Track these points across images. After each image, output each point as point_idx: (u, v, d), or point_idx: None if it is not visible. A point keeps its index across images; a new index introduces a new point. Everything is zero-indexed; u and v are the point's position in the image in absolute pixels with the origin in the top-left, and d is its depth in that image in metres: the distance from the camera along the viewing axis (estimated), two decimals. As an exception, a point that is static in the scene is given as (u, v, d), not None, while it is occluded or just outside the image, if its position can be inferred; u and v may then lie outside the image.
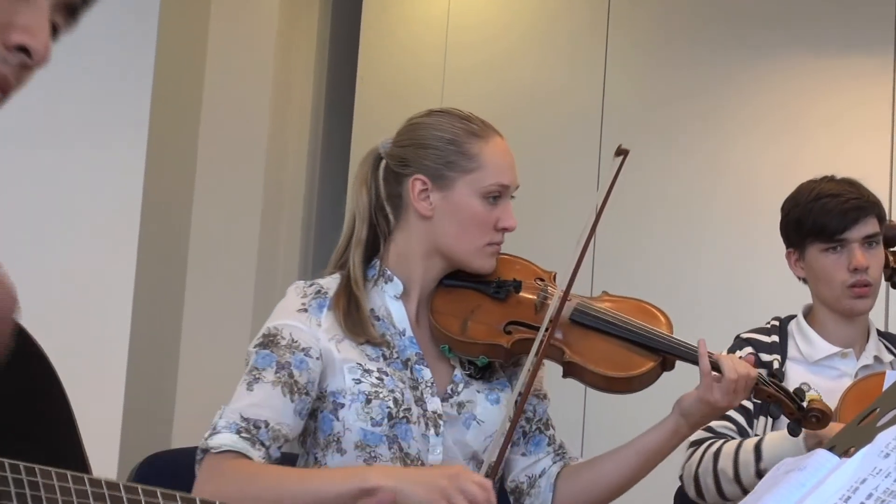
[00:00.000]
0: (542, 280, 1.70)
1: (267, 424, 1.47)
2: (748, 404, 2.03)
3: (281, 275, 3.50)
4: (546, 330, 1.56)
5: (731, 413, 2.00)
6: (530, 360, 1.55)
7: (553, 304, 1.60)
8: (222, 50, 3.36)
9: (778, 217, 2.16)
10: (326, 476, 1.49)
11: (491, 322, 1.64)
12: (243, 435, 1.45)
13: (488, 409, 1.65)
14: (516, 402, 1.59)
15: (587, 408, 3.25)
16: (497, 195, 1.64)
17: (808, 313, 2.16)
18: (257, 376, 1.51)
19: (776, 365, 2.05)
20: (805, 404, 1.66)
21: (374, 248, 1.68)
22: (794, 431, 1.68)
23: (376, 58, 3.60)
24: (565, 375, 1.64)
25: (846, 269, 2.04)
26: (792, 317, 2.17)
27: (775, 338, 2.11)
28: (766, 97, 3.37)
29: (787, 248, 2.15)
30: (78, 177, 2.94)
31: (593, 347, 1.63)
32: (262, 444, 1.46)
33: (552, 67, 3.52)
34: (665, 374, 1.67)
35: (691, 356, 1.63)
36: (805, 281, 2.15)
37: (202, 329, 3.29)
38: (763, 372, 1.69)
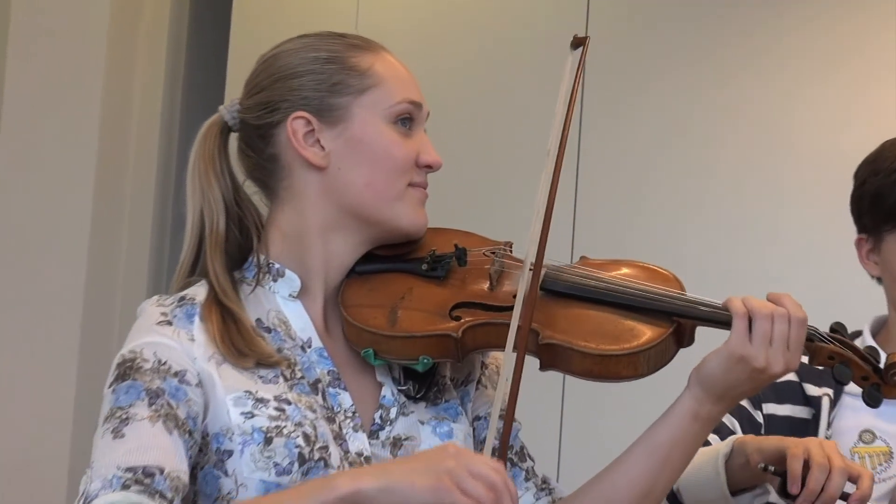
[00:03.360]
0: (493, 251, 1.69)
1: (162, 470, 1.43)
2: (744, 402, 2.02)
3: (122, 273, 3.49)
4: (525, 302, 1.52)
5: None
6: (508, 352, 1.51)
7: (524, 273, 1.55)
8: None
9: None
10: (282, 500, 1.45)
11: (430, 307, 1.61)
12: (134, 488, 1.40)
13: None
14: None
15: (563, 433, 3.35)
16: (408, 117, 1.65)
17: (880, 330, 2.13)
18: (125, 417, 1.47)
19: (826, 402, 2.02)
20: (883, 363, 1.63)
21: (240, 247, 1.67)
22: (872, 401, 1.63)
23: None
24: (544, 367, 1.60)
25: None
26: (856, 334, 2.11)
27: None
28: (809, 21, 3.44)
29: (859, 232, 2.12)
30: None
31: (578, 320, 1.60)
32: (163, 497, 1.41)
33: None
34: (657, 378, 1.61)
35: (716, 316, 1.59)
36: (880, 281, 2.11)
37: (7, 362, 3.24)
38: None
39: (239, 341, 1.56)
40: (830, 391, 2.03)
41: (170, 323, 1.56)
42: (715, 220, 3.46)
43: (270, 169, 1.66)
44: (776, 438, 1.86)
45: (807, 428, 2.01)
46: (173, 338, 1.54)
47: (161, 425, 1.46)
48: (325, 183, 1.63)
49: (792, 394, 2.05)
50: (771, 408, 2.05)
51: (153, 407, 1.47)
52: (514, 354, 1.50)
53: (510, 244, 1.72)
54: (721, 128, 3.49)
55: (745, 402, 2.04)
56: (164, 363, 1.52)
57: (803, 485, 1.75)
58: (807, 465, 1.75)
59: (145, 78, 3.63)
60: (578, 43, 1.65)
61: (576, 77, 1.61)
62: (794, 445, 1.79)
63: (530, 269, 1.55)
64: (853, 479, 1.77)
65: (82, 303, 3.32)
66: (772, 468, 1.79)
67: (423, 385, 1.64)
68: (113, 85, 3.46)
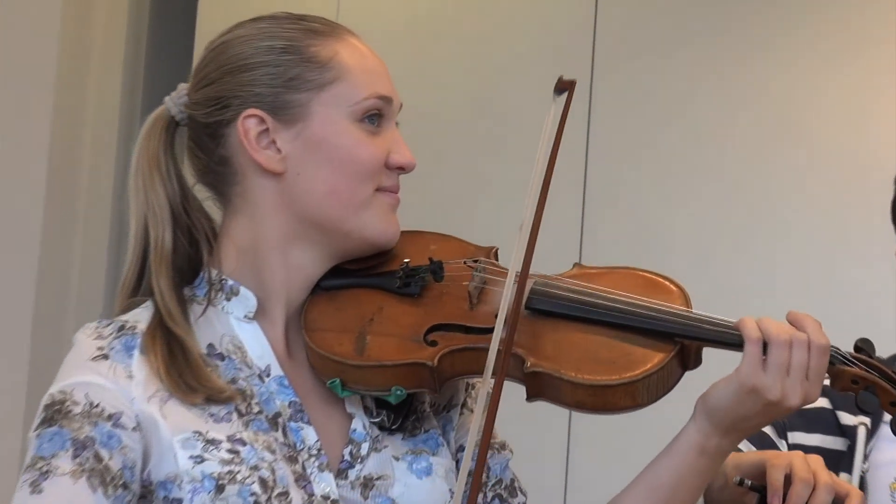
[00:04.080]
0: (475, 261, 1.63)
1: None
2: (767, 428, 1.99)
3: (75, 281, 3.43)
4: (503, 328, 1.45)
5: None
6: (486, 381, 1.45)
7: (507, 289, 1.48)
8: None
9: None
10: None
11: (402, 331, 1.57)
12: None
13: (414, 486, 1.56)
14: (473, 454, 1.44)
15: (570, 458, 3.32)
16: (377, 114, 1.57)
17: None
18: (45, 469, 1.43)
19: (862, 432, 1.97)
20: None
21: (191, 260, 1.61)
22: None
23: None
24: (531, 397, 1.54)
25: None
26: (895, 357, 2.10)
27: None
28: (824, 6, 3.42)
29: None
30: None
31: (568, 344, 1.54)
32: None
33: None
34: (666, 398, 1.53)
35: (726, 337, 1.52)
36: None
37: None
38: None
39: (187, 374, 1.50)
40: (867, 420, 1.99)
41: (106, 357, 1.50)
42: (727, 225, 3.42)
43: (222, 173, 1.59)
44: (757, 452, 1.85)
45: (840, 460, 1.96)
46: (108, 375, 1.48)
47: (84, 482, 1.42)
48: (282, 190, 1.56)
49: (823, 422, 2.01)
50: (798, 437, 2.01)
51: (77, 460, 1.43)
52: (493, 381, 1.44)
53: (495, 250, 1.66)
54: (734, 130, 3.45)
55: (767, 429, 1.99)
56: (97, 405, 1.46)
57: (785, 499, 1.69)
58: (788, 481, 1.71)
59: (101, 70, 3.62)
60: (563, 87, 1.56)
61: (562, 120, 1.51)
62: (776, 457, 1.77)
63: (515, 284, 1.49)
64: (840, 498, 1.71)
65: (31, 314, 3.31)
66: (748, 482, 1.75)
67: (398, 415, 1.58)
68: (66, 79, 3.44)
